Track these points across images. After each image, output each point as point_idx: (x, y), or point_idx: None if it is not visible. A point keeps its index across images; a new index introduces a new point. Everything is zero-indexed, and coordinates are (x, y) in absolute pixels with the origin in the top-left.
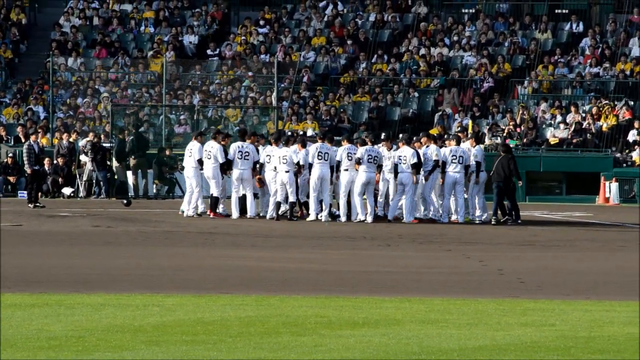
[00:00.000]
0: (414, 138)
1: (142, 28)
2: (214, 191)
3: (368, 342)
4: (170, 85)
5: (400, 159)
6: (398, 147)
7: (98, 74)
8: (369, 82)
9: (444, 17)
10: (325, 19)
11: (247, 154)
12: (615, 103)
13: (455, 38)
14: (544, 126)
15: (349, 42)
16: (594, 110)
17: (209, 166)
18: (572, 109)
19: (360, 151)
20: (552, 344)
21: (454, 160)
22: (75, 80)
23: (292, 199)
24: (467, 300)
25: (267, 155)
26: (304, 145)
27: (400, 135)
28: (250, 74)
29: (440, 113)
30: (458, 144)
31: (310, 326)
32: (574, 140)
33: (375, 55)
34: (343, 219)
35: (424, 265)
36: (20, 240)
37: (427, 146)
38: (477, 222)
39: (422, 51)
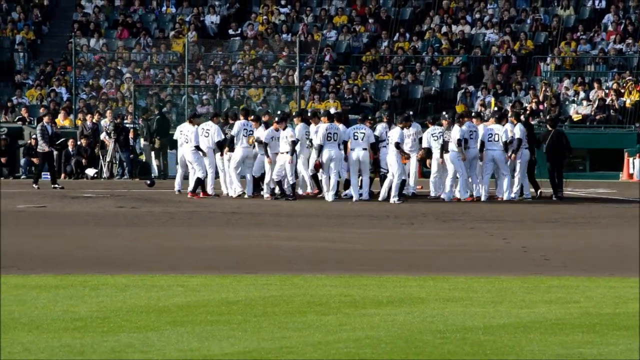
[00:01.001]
0: (445, 115)
1: (164, 8)
2: (206, 171)
3: (392, 320)
4: (192, 65)
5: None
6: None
7: (120, 55)
8: (391, 60)
9: None
10: None
11: (251, 132)
12: (639, 79)
13: (477, 15)
14: (567, 103)
15: (370, 20)
16: (615, 86)
17: (204, 145)
18: (595, 85)
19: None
20: (577, 321)
21: (494, 139)
22: (97, 61)
23: (291, 180)
24: (491, 278)
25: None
26: (303, 121)
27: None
28: (281, 53)
29: (463, 91)
30: (499, 122)
31: (335, 305)
32: (597, 117)
33: (397, 34)
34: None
35: (448, 244)
36: (44, 221)
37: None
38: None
39: (444, 29)
